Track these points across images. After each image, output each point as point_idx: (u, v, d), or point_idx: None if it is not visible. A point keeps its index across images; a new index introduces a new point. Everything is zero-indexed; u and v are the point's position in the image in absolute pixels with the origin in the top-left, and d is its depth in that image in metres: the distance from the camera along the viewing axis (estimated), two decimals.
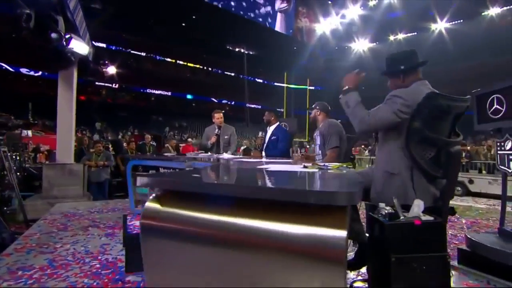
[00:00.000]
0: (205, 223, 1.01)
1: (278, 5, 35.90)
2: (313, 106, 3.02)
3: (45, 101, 20.20)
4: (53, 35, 3.67)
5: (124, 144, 8.27)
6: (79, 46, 4.29)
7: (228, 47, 37.64)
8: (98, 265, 2.30)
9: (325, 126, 2.80)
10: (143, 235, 1.09)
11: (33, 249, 2.67)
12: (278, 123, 3.74)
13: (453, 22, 35.81)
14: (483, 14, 34.24)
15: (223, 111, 4.44)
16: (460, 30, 35.09)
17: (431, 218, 1.32)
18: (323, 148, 2.81)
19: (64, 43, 3.97)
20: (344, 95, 1.69)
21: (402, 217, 1.32)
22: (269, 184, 1.11)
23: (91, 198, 5.52)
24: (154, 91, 30.37)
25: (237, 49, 38.38)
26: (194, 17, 31.63)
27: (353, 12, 38.77)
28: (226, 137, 4.19)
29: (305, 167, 1.74)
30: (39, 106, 18.06)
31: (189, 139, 9.90)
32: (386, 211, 1.35)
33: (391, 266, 1.19)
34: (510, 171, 2.28)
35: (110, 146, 7.98)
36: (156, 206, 1.11)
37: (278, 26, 37.26)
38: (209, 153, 3.94)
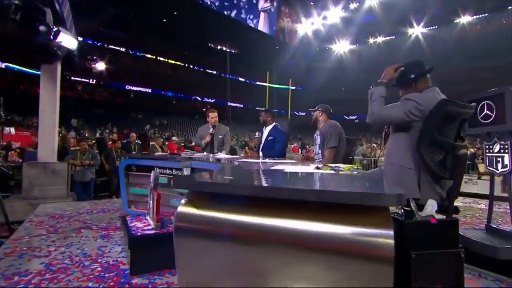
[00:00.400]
0: (244, 225, 1.03)
1: (261, 4, 36.01)
2: (315, 108, 3.09)
3: (15, 95, 19.16)
4: (42, 27, 3.50)
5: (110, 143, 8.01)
6: (68, 40, 4.12)
7: (210, 44, 37.30)
8: (99, 268, 2.24)
9: (325, 126, 2.88)
10: (177, 237, 1.10)
11: (25, 253, 2.55)
12: (274, 123, 3.78)
13: (429, 28, 37.61)
14: (455, 21, 36.23)
15: (216, 110, 4.42)
16: (435, 36, 37.01)
17: (443, 217, 1.41)
18: (322, 148, 2.89)
19: (52, 36, 3.80)
20: (373, 87, 1.78)
21: (417, 216, 1.40)
22: (309, 186, 1.15)
23: (75, 198, 5.33)
24: (133, 88, 29.59)
25: (219, 47, 38.12)
26: (175, 13, 31.09)
27: (335, 14, 39.60)
28: (220, 136, 4.19)
29: (317, 168, 1.80)
30: (8, 101, 17.09)
31: (173, 138, 9.74)
32: (401, 210, 1.43)
33: (411, 262, 1.26)
34: (497, 172, 2.46)
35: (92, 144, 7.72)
36: (190, 209, 1.11)
37: (261, 26, 37.41)
38: (205, 153, 3.92)
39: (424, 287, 1.28)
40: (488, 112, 2.38)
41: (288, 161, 2.68)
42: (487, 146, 2.51)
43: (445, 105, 1.51)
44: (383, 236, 0.84)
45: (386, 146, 1.81)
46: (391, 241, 0.83)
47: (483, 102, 2.41)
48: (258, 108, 38.59)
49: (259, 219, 1.03)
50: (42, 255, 2.52)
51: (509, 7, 33.46)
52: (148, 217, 2.57)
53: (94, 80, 26.54)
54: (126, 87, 29.05)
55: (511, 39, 32.58)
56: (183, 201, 1.13)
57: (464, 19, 36.01)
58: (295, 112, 38.74)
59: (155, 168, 3.47)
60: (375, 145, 18.17)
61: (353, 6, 38.52)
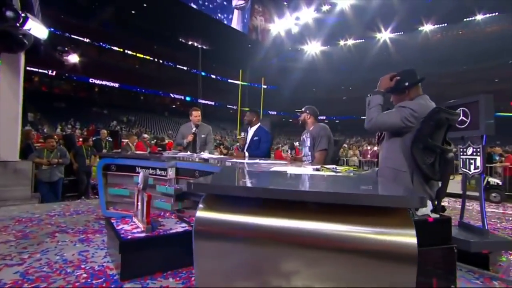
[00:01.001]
0: (264, 227, 1.06)
1: (235, 2, 35.84)
2: (302, 109, 3.16)
3: None
4: (8, 13, 3.21)
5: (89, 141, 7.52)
6: (37, 28, 3.82)
7: (181, 39, 36.45)
8: (85, 275, 2.13)
9: (316, 129, 2.96)
10: (197, 240, 1.09)
11: None
12: (259, 124, 3.82)
13: (396, 33, 39.90)
14: (419, 29, 38.83)
15: (199, 109, 4.35)
16: (401, 41, 39.38)
17: (437, 216, 1.54)
18: (312, 150, 2.98)
19: (19, 24, 3.51)
20: (370, 95, 1.88)
21: (415, 216, 1.52)
22: (331, 189, 1.19)
23: (40, 199, 4.98)
24: (98, 81, 28.03)
25: (190, 43, 37.38)
26: (145, 4, 30.01)
27: (307, 15, 40.53)
28: (203, 136, 4.15)
29: (317, 170, 1.86)
30: None
31: (145, 135, 9.42)
32: None
33: None
34: (470, 173, 2.70)
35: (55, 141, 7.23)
36: (209, 213, 1.11)
37: (235, 23, 37.26)
38: (188, 152, 3.86)
39: (422, 282, 1.39)
40: (463, 118, 2.60)
41: (281, 161, 2.73)
42: (461, 149, 2.73)
43: (438, 112, 1.65)
44: (407, 235, 0.91)
45: (381, 150, 1.92)
46: (414, 240, 0.90)
47: (459, 109, 2.62)
48: (230, 106, 38.51)
49: (280, 220, 1.05)
50: (15, 263, 2.34)
51: (464, 19, 36.63)
52: (135, 219, 2.49)
53: (54, 72, 24.80)
54: (90, 81, 27.44)
55: (467, 48, 35.87)
56: (201, 205, 1.12)
57: (427, 27, 38.73)
58: (268, 111, 39.12)
59: (137, 168, 3.37)
60: (345, 145, 18.92)
61: (325, 8, 39.69)
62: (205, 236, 1.09)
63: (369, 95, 1.92)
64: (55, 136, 6.19)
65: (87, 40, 27.46)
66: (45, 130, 17.80)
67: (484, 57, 34.12)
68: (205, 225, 1.10)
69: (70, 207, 4.25)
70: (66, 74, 25.43)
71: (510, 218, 4.83)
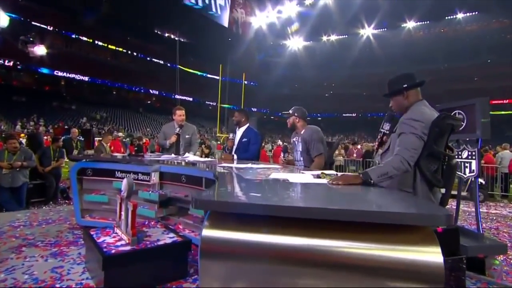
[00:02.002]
0: (277, 245, 1.02)
1: None
2: (290, 111, 3.11)
3: None
4: None
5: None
6: None
7: (157, 31, 35.61)
8: None
9: (308, 132, 2.94)
10: (203, 260, 1.04)
11: None
12: (248, 124, 3.77)
13: (379, 30, 41.03)
14: (402, 25, 40.15)
15: (184, 108, 4.23)
16: (384, 37, 40.54)
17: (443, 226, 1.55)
18: (305, 155, 2.96)
19: None
20: (375, 179, 1.60)
21: None
22: (350, 205, 1.16)
23: (0, 208, 4.66)
24: (65, 74, 26.75)
25: (167, 35, 36.60)
26: None
27: (290, 9, 40.78)
28: (187, 136, 4.04)
29: (317, 177, 1.84)
30: None
31: (119, 134, 9.11)
32: None
33: None
34: (465, 176, 2.78)
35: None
36: (216, 231, 1.06)
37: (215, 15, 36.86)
38: (173, 155, 3.75)
39: None
40: None
41: (275, 166, 2.69)
42: (456, 152, 2.81)
43: (444, 119, 1.66)
44: (432, 253, 0.89)
45: (382, 157, 1.91)
46: (441, 260, 0.88)
47: (454, 111, 2.70)
48: (209, 102, 38.15)
49: (291, 238, 1.02)
50: None
51: (446, 17, 38.27)
52: (118, 230, 2.37)
53: (11, 62, 23.34)
54: (55, 73, 26.11)
55: (448, 46, 37.52)
56: (206, 222, 1.07)
57: (410, 24, 40.09)
58: (251, 108, 39.06)
59: (117, 173, 3.23)
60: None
61: (308, 1, 40.08)
62: (212, 256, 1.04)
63: (372, 181, 1.60)
64: (19, 135, 5.81)
65: (50, 28, 26.06)
66: (2, 127, 16.84)
67: (464, 56, 35.90)
68: (211, 244, 1.05)
69: (38, 216, 4.00)
70: (27, 65, 24.00)
71: (494, 218, 5.07)
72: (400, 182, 1.76)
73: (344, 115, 40.36)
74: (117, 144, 7.77)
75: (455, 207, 2.97)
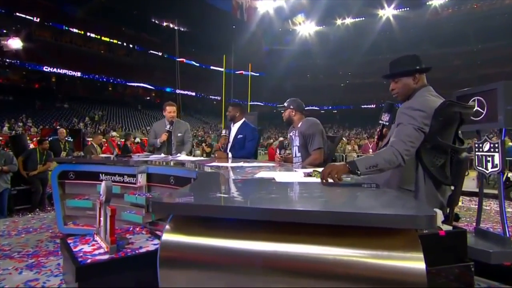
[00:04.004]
0: (243, 252, 1.00)
1: None
2: (285, 104, 3.09)
3: None
4: None
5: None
6: None
7: (154, 20, 35.89)
8: None
9: (305, 125, 2.91)
10: (162, 269, 1.04)
11: None
12: (244, 119, 3.76)
13: (400, 10, 40.10)
14: (427, 3, 39.09)
15: (175, 104, 4.25)
16: (406, 18, 39.56)
17: (449, 227, 1.51)
18: (303, 150, 2.94)
19: None
20: (363, 170, 1.53)
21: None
22: (326, 206, 1.14)
23: None
24: (55, 70, 27.16)
25: (165, 24, 36.84)
26: None
27: None
28: (179, 134, 4.06)
29: (308, 175, 1.81)
30: None
31: (113, 133, 9.23)
32: None
33: None
34: (487, 172, 2.70)
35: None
36: (177, 236, 1.05)
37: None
38: (162, 154, 3.77)
39: None
40: (479, 108, 2.58)
41: (269, 164, 2.68)
42: (476, 145, 2.73)
43: (449, 106, 1.60)
44: (414, 259, 0.86)
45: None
46: (422, 266, 0.85)
47: (474, 98, 2.61)
48: (213, 97, 38.33)
49: (263, 244, 1.00)
50: None
51: None
52: (97, 238, 2.39)
53: None
54: (45, 69, 26.54)
55: (481, 24, 36.36)
56: (167, 226, 1.06)
57: (436, 1, 38.96)
58: (257, 102, 39.04)
59: (101, 175, 3.26)
60: (344, 139, 19.09)
61: None
62: (173, 264, 1.03)
63: (359, 173, 1.52)
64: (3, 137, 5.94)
65: (37, 20, 26.41)
66: None
67: (501, 35, 34.10)
68: (172, 251, 1.04)
69: (18, 224, 4.08)
70: (13, 61, 24.39)
71: None
72: (402, 180, 1.72)
73: (362, 106, 39.84)
74: (112, 144, 7.91)
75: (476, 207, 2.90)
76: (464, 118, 1.75)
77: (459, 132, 1.84)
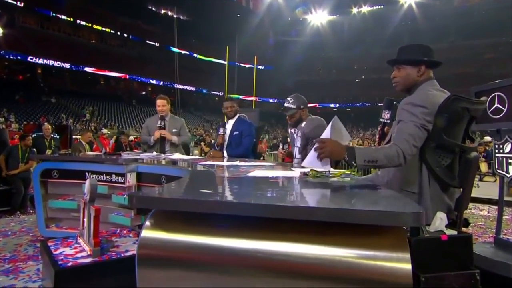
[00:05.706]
0: (227, 250, 1.05)
1: None
2: (293, 106, 3.10)
3: None
4: None
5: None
6: None
7: (151, 7, 36.12)
8: None
9: (309, 127, 2.95)
10: (141, 269, 1.09)
11: None
12: (239, 115, 3.85)
13: None
14: None
15: (166, 97, 4.31)
16: (432, 6, 38.87)
17: (454, 232, 1.56)
18: (304, 152, 2.99)
19: None
20: (360, 163, 1.59)
21: (425, 232, 1.53)
22: (313, 202, 1.19)
23: None
24: (41, 61, 27.42)
25: (163, 11, 37.09)
26: None
27: None
28: (174, 130, 4.13)
29: (305, 174, 1.87)
30: None
31: (104, 130, 9.35)
32: None
33: (420, 286, 1.38)
34: (509, 175, 2.72)
35: None
36: (157, 232, 1.10)
37: None
38: (155, 153, 3.84)
39: None
40: (499, 105, 2.61)
41: (265, 164, 2.73)
42: (496, 146, 2.76)
43: (455, 101, 1.64)
44: (399, 260, 0.91)
45: None
46: (409, 267, 0.90)
47: (493, 94, 2.64)
48: (215, 93, 38.44)
49: (243, 242, 1.05)
50: None
51: None
52: (80, 240, 2.46)
53: None
54: (30, 59, 26.75)
55: None
56: (147, 223, 1.12)
57: None
58: (264, 99, 39.09)
59: (87, 174, 3.34)
60: (359, 139, 19.06)
61: None
62: (152, 263, 1.08)
63: (355, 164, 1.60)
64: None
65: (21, 5, 26.52)
66: None
67: None
68: (151, 248, 1.09)
69: None
70: None
71: None
72: (404, 181, 1.76)
73: (379, 104, 39.58)
74: (103, 142, 8.02)
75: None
76: (473, 114, 1.79)
77: (470, 130, 1.88)
